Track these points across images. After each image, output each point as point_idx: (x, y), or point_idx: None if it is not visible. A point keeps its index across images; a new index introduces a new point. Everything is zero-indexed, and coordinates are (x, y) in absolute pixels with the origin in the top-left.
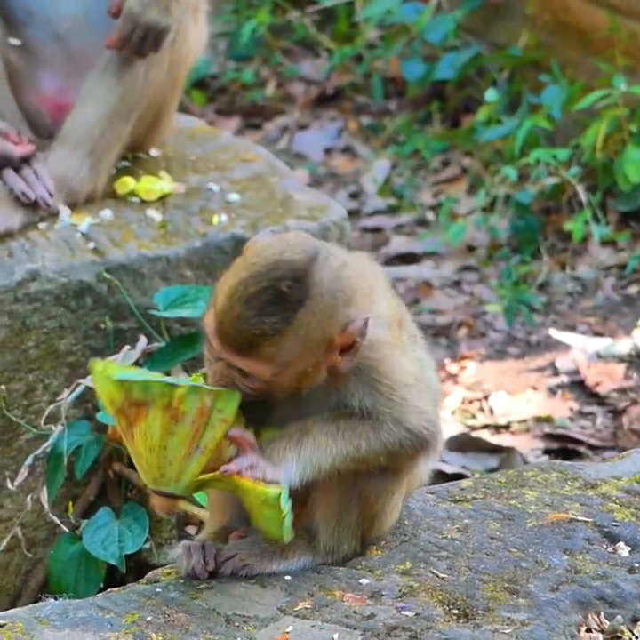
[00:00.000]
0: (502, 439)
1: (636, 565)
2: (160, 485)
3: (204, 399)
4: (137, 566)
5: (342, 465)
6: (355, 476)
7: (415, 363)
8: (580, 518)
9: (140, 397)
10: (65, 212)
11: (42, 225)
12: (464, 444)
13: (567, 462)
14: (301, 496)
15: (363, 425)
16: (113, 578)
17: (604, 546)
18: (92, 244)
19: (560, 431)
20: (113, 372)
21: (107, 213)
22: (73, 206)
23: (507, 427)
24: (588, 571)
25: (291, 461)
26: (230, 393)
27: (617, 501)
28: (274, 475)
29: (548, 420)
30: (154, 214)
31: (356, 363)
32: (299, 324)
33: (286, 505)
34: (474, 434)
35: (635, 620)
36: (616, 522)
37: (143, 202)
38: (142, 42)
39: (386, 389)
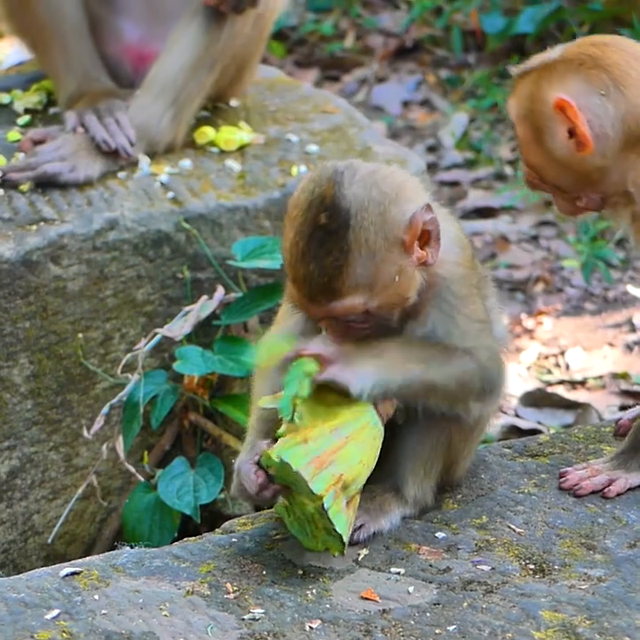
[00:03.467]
0: (578, 395)
1: None
2: None
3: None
4: (211, 517)
5: (410, 387)
6: (446, 422)
7: (485, 307)
8: None
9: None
10: (145, 161)
11: (121, 174)
12: (539, 399)
13: None
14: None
15: (434, 349)
16: (187, 528)
17: None
18: (170, 194)
19: (636, 388)
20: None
21: (186, 163)
22: (152, 156)
23: (582, 383)
24: None
25: (368, 376)
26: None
27: None
28: (349, 380)
29: (625, 376)
30: (233, 164)
31: (431, 286)
32: (357, 246)
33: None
34: (549, 389)
35: None
36: None
37: (222, 152)
38: None
39: (461, 322)
